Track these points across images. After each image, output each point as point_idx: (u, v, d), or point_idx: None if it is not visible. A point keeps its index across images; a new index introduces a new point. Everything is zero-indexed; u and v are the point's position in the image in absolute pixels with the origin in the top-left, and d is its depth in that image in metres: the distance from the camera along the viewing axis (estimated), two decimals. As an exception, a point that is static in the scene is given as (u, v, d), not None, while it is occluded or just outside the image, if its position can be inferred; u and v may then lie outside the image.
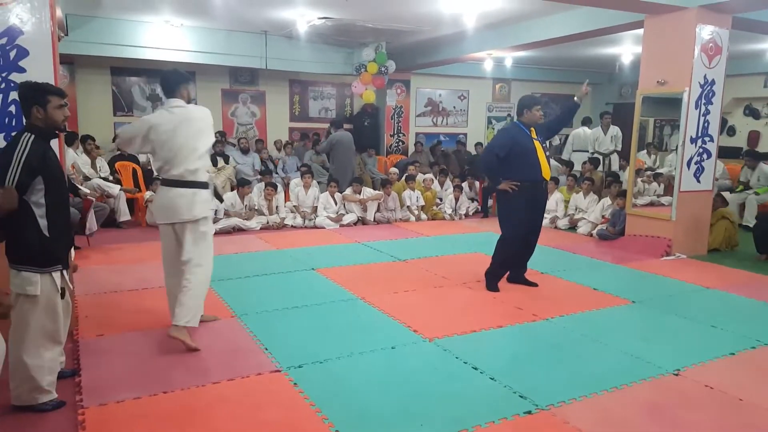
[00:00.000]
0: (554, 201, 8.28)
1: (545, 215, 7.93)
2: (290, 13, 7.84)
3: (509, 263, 4.90)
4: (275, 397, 2.90)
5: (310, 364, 3.28)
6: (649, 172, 8.40)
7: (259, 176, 9.03)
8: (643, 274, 5.56)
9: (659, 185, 8.21)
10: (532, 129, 4.77)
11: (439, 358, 3.43)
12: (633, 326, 4.12)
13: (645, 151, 9.31)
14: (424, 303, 4.52)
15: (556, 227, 8.07)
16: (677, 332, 3.98)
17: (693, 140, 6.26)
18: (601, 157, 9.32)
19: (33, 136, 2.62)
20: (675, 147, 6.48)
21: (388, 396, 2.93)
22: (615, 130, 9.39)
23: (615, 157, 9.39)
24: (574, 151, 9.97)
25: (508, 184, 4.64)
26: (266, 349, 3.48)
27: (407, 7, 7.32)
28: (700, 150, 6.34)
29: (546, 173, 4.71)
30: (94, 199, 6.34)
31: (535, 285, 4.97)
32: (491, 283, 4.87)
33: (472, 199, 9.29)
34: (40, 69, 3.47)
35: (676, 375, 3.26)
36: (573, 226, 7.96)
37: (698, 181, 6.40)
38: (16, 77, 3.41)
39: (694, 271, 5.70)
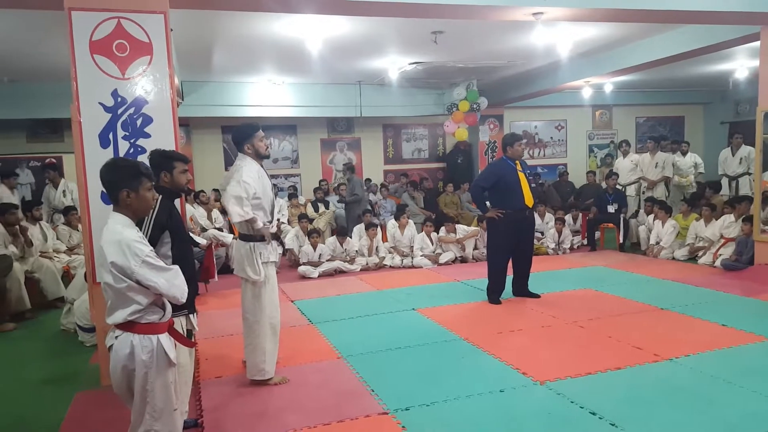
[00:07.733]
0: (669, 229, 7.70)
1: (665, 247, 7.60)
2: (382, 62, 8.17)
3: (502, 278, 5.48)
4: (384, 441, 2.89)
5: (417, 407, 3.24)
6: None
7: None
8: (781, 308, 4.97)
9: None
10: (518, 162, 5.40)
11: (552, 402, 3.25)
12: (775, 367, 3.67)
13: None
14: (533, 343, 4.33)
15: (673, 258, 7.47)
16: (831, 374, 3.49)
17: (829, 157, 5.61)
18: (727, 180, 8.58)
19: (161, 197, 2.91)
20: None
21: (500, 442, 2.81)
22: (747, 150, 8.44)
23: (745, 180, 8.49)
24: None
25: (495, 212, 5.36)
26: (373, 391, 3.49)
27: (498, 43, 7.33)
28: (840, 167, 5.66)
29: (529, 201, 5.33)
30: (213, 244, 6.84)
31: (538, 296, 5.54)
32: (492, 297, 5.50)
33: (576, 232, 8.88)
34: (162, 133, 3.86)
35: (836, 425, 2.85)
36: (693, 257, 7.32)
37: (841, 202, 5.69)
38: (143, 142, 3.80)
39: None
